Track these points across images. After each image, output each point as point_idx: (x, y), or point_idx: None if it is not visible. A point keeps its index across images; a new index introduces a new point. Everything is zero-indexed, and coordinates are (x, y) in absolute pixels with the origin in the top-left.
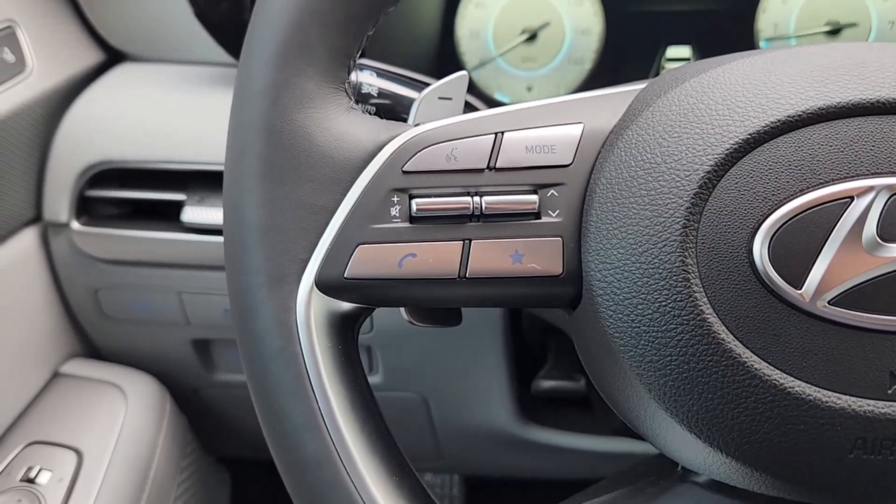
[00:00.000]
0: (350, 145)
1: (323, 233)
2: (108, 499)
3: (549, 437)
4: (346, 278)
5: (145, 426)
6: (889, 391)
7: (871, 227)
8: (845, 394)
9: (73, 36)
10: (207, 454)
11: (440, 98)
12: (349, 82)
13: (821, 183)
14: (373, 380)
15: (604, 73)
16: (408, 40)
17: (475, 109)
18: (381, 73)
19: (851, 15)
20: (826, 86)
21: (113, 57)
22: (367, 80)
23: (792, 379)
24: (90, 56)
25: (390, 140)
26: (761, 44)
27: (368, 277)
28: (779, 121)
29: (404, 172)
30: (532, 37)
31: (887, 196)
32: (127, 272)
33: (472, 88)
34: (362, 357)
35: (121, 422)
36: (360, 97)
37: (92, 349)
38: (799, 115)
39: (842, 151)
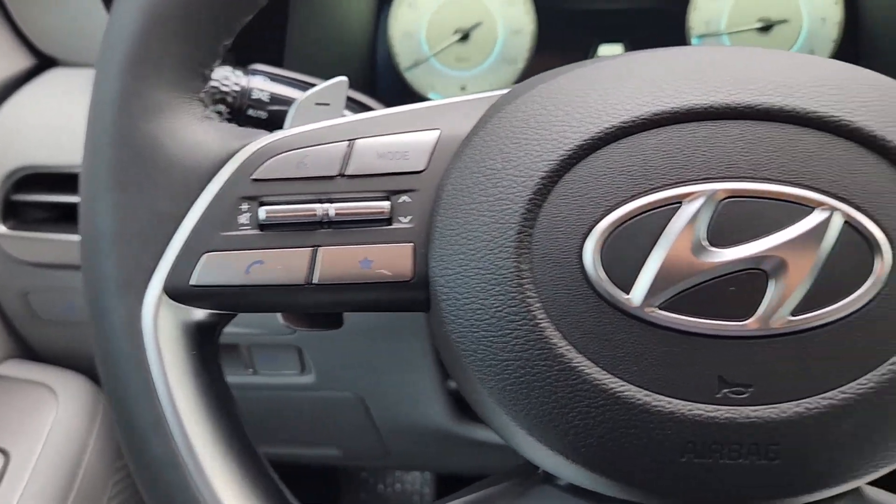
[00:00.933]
0: (201, 154)
1: (170, 241)
2: (33, 499)
3: (485, 434)
4: (193, 286)
5: (75, 426)
6: (718, 395)
7: (699, 232)
8: (675, 398)
9: (2, 41)
10: None
11: (318, 104)
12: (206, 91)
13: (651, 188)
14: (305, 380)
15: (537, 72)
16: (338, 42)
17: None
18: (274, 78)
19: (783, 12)
20: (663, 91)
21: (43, 62)
22: (259, 85)
23: (623, 383)
24: (19, 61)
25: (241, 148)
26: (693, 41)
27: (216, 284)
28: (613, 126)
29: (254, 180)
30: (465, 37)
31: (716, 201)
32: (55, 275)
33: (407, 89)
34: (292, 359)
35: (50, 422)
36: (253, 103)
37: (28, 351)
38: (633, 121)
39: (673, 157)
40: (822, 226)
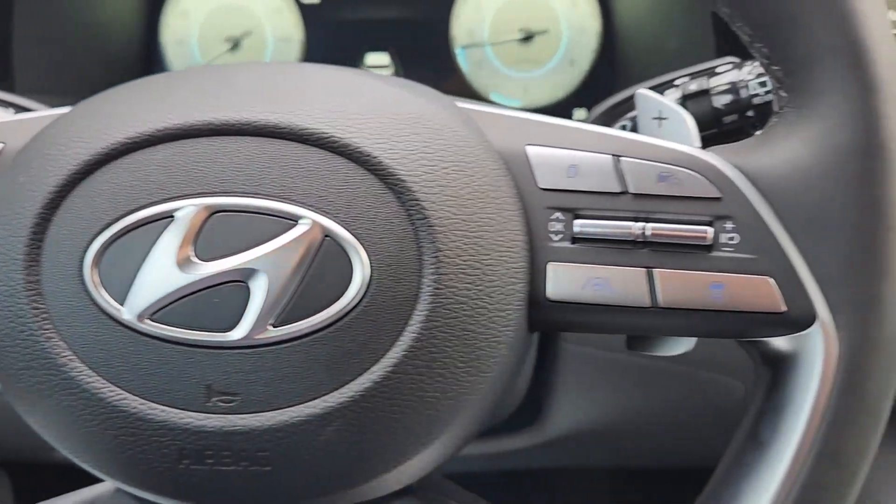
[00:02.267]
0: None
1: None
2: None
3: None
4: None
5: None
6: (208, 404)
7: (186, 246)
8: (168, 406)
9: None
10: None
11: None
12: None
13: (149, 203)
14: None
15: None
16: (108, 51)
17: None
18: None
19: (543, 23)
20: (169, 108)
21: None
22: None
23: (121, 392)
24: None
25: None
26: (457, 51)
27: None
28: (118, 143)
29: None
30: (236, 45)
31: (206, 215)
32: None
33: None
34: None
35: None
36: None
37: None
38: (137, 137)
39: (172, 172)
40: (302, 239)
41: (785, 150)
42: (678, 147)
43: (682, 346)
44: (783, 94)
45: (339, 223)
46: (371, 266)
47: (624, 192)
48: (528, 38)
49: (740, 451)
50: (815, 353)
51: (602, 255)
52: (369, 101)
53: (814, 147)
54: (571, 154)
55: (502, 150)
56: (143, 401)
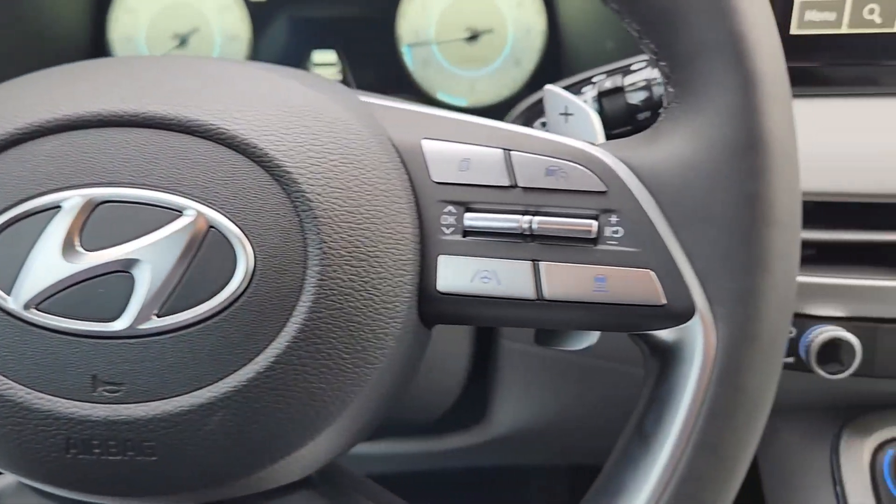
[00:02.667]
0: None
1: None
2: None
3: None
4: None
5: None
6: (94, 393)
7: (72, 236)
8: (55, 395)
9: None
10: None
11: None
12: None
13: (37, 193)
14: None
15: None
16: (55, 48)
17: None
18: None
19: (489, 22)
20: (60, 99)
21: None
22: None
23: (7, 381)
24: None
25: None
26: (403, 49)
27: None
28: (7, 133)
29: None
30: (183, 42)
31: (92, 206)
32: None
33: None
34: None
35: None
36: None
37: None
38: (27, 127)
39: (61, 162)
40: (186, 230)
41: (670, 145)
42: (567, 142)
43: (585, 340)
44: (670, 89)
45: (224, 214)
46: (255, 257)
47: (514, 186)
48: (473, 37)
49: (627, 444)
50: (695, 345)
51: (491, 248)
52: (260, 93)
53: (695, 142)
54: (465, 148)
55: (399, 144)
56: (29, 390)
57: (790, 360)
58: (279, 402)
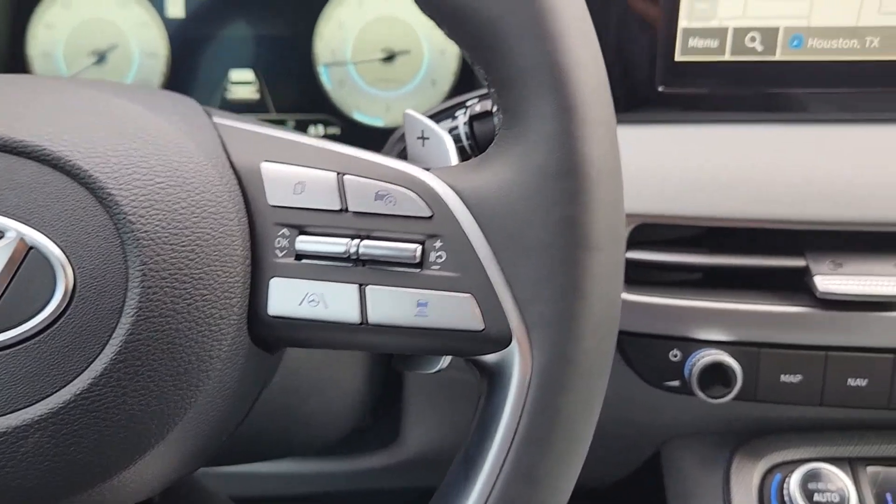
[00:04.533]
0: None
1: None
2: None
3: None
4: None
5: None
6: None
7: None
8: None
9: None
10: None
11: None
12: None
13: None
14: None
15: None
16: None
17: None
18: None
19: (404, 43)
20: None
21: None
22: None
23: None
24: None
25: None
26: (320, 69)
27: None
28: None
29: None
30: (101, 59)
31: None
32: None
33: None
34: None
35: None
36: None
37: None
38: None
39: None
40: (5, 250)
41: (495, 170)
42: (398, 166)
43: (436, 364)
44: (500, 115)
45: (45, 235)
46: (76, 279)
47: (344, 210)
48: (390, 57)
49: (454, 468)
50: (513, 371)
51: (321, 271)
52: (92, 115)
53: (517, 168)
54: (301, 171)
55: (239, 166)
56: None
57: (675, 383)
58: (98, 425)
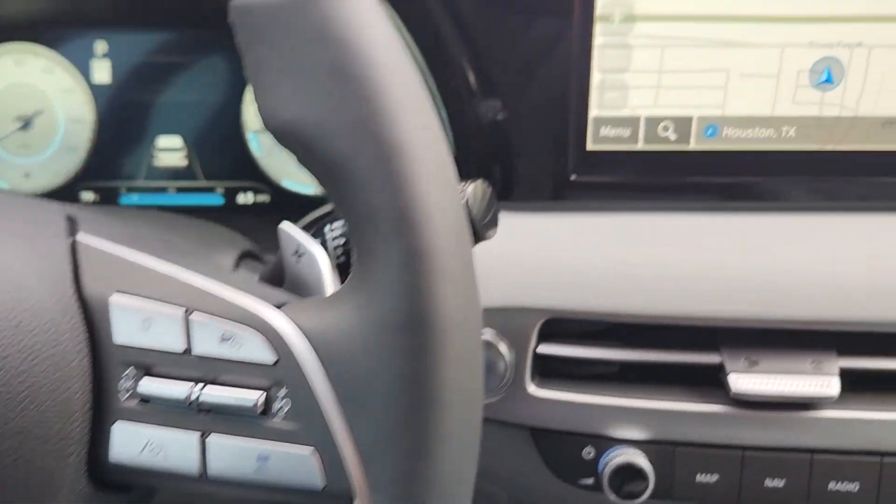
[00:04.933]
0: None
1: None
2: None
3: None
4: None
5: None
6: None
7: None
8: None
9: None
10: None
11: None
12: None
13: None
14: None
15: (100, 160)
16: None
17: None
18: None
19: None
20: None
21: None
22: None
23: None
24: None
25: None
26: (249, 136)
27: None
28: None
29: None
30: (27, 124)
31: None
32: None
33: None
34: None
35: None
36: None
37: None
38: None
39: None
40: None
41: (343, 312)
42: (247, 304)
43: None
44: (354, 251)
45: None
46: None
47: (188, 353)
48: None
49: None
50: None
51: (164, 417)
52: None
53: (361, 314)
54: (149, 306)
55: (89, 298)
56: None
57: (590, 481)
58: None
